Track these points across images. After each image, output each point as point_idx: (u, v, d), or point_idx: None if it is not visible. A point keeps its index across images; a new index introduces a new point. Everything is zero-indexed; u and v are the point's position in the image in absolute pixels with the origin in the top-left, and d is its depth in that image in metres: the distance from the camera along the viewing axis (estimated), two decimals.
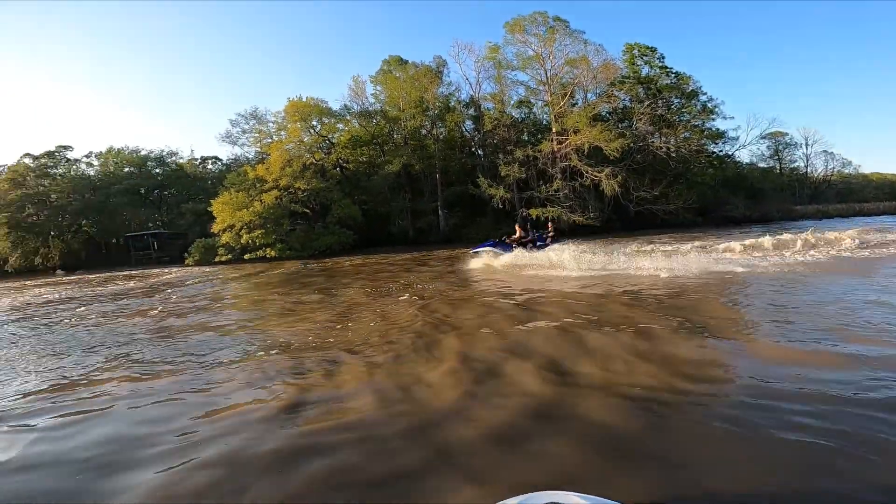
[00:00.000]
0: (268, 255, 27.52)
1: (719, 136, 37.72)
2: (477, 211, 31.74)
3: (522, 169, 30.24)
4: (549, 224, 16.50)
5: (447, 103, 35.60)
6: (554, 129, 31.70)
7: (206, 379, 4.14)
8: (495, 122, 33.21)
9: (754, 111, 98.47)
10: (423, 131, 35.70)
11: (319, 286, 11.58)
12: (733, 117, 61.56)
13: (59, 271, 31.33)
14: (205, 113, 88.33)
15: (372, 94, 37.76)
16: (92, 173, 39.04)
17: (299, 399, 3.46)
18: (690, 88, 35.47)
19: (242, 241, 28.01)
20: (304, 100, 33.82)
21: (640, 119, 32.63)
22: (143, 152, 40.62)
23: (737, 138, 39.97)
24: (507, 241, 13.81)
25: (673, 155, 32.93)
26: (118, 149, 40.16)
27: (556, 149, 30.77)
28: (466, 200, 31.73)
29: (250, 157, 37.95)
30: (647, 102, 32.90)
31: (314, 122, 34.64)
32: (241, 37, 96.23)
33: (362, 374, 3.95)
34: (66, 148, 39.02)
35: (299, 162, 31.41)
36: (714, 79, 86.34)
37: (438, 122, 35.08)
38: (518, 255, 12.44)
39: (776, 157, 49.98)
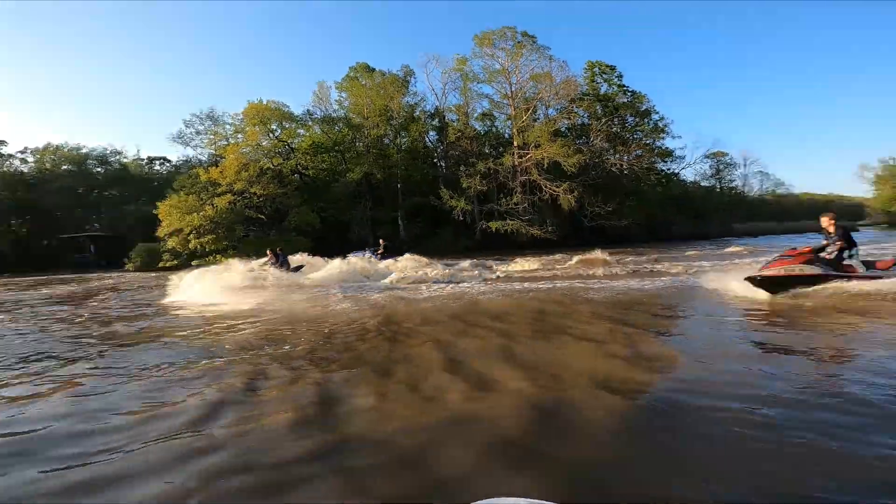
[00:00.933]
0: (218, 262, 26.31)
1: (668, 154, 40.05)
2: (438, 222, 31.87)
3: (484, 182, 30.72)
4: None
5: (412, 113, 35.68)
6: (516, 143, 32.46)
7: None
8: (459, 133, 33.63)
9: (699, 130, 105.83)
10: (387, 140, 35.53)
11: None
12: (681, 136, 65.76)
13: None
14: (153, 112, 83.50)
15: (336, 101, 37.41)
16: (25, 170, 35.92)
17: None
18: (644, 107, 37.51)
19: (191, 247, 26.72)
20: (265, 103, 32.96)
21: (598, 136, 34.08)
22: (83, 150, 37.87)
23: (683, 157, 42.63)
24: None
25: (626, 172, 34.54)
26: (56, 145, 37.24)
27: (517, 162, 31.50)
28: (428, 211, 31.80)
29: (203, 159, 36.36)
30: (604, 120, 34.43)
31: (274, 127, 33.78)
32: (203, 36, 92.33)
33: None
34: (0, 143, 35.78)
35: (256, 166, 30.44)
36: (662, 93, 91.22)
37: (402, 131, 35.08)
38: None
39: (717, 177, 53.54)
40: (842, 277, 6.31)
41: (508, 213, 30.25)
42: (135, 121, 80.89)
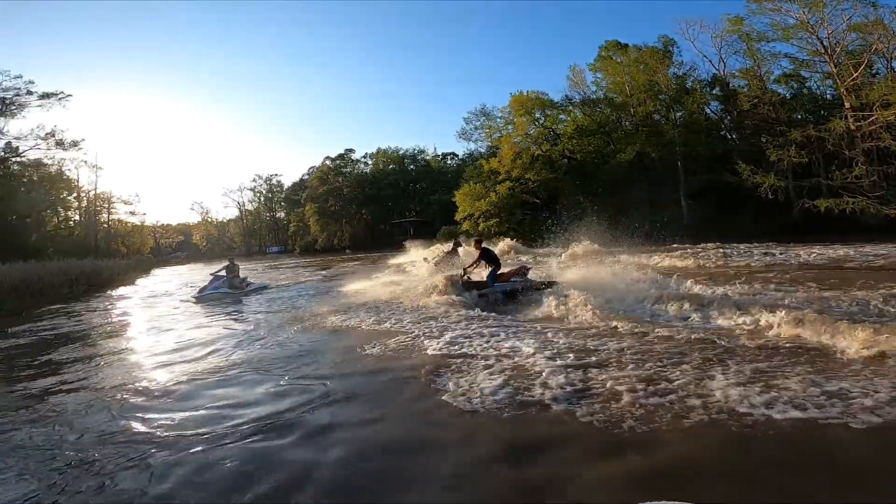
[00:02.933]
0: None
1: None
2: (731, 202, 27.59)
3: (802, 152, 24.77)
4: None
5: (683, 84, 31.94)
6: (848, 105, 24.82)
7: None
8: (755, 100, 28.09)
9: None
10: (657, 116, 32.95)
11: None
12: None
13: (347, 251, 41.63)
14: (443, 112, 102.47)
15: (593, 83, 36.94)
16: (367, 171, 50.36)
17: None
18: None
19: (480, 229, 31.36)
20: (526, 94, 35.47)
21: None
22: (401, 151, 50.27)
23: None
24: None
25: None
26: (384, 149, 50.76)
27: (853, 127, 24.08)
28: (717, 190, 27.91)
29: (482, 151, 42.20)
30: None
31: (537, 115, 36.02)
32: (475, 39, 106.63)
33: None
34: (350, 151, 51.57)
35: (528, 154, 33.28)
36: None
37: (675, 105, 31.83)
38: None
39: None
40: None
41: (845, 188, 23.45)
42: (431, 122, 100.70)
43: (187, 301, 11.37)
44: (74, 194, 39.98)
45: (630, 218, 30.01)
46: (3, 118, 31.49)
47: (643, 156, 30.51)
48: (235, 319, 7.97)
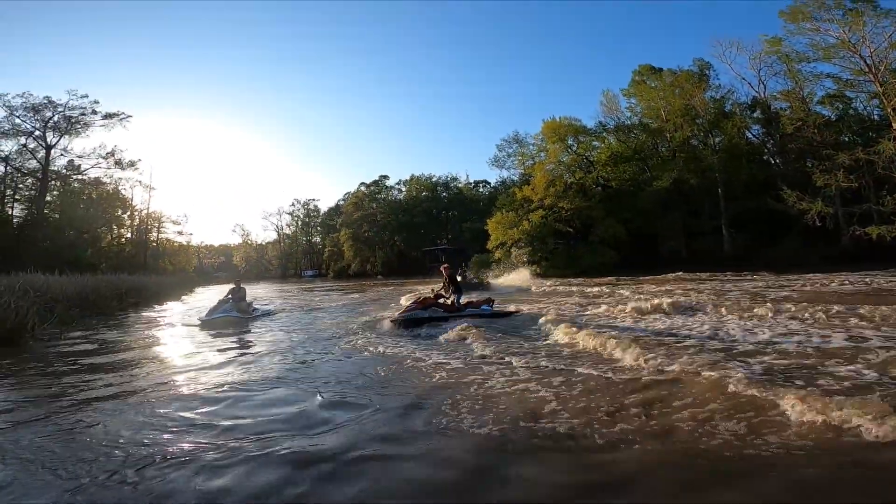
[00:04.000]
0: (532, 273, 29.73)
1: None
2: (775, 229, 26.60)
3: (851, 177, 23.72)
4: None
5: (721, 108, 31.37)
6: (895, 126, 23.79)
7: None
8: (798, 123, 27.20)
9: None
10: (695, 141, 32.36)
11: None
12: None
13: (379, 276, 42.47)
14: (476, 140, 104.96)
15: (626, 108, 36.72)
16: (401, 197, 51.60)
17: None
18: None
19: (512, 258, 31.23)
20: (559, 120, 35.50)
21: None
22: (433, 178, 51.31)
23: None
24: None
25: None
26: (417, 176, 52.00)
27: None
28: (760, 217, 26.99)
29: (515, 179, 42.51)
30: None
31: (570, 142, 36.03)
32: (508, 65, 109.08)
33: None
34: (385, 177, 53.06)
35: (561, 181, 33.21)
36: None
37: (713, 129, 31.24)
38: None
39: None
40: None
41: None
42: (463, 151, 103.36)
43: (191, 325, 10.54)
44: (128, 213, 41.56)
45: (667, 247, 29.46)
46: (67, 136, 33.30)
47: (681, 182, 29.90)
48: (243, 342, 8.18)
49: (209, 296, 24.18)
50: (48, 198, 33.91)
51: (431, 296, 9.49)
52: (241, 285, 12.30)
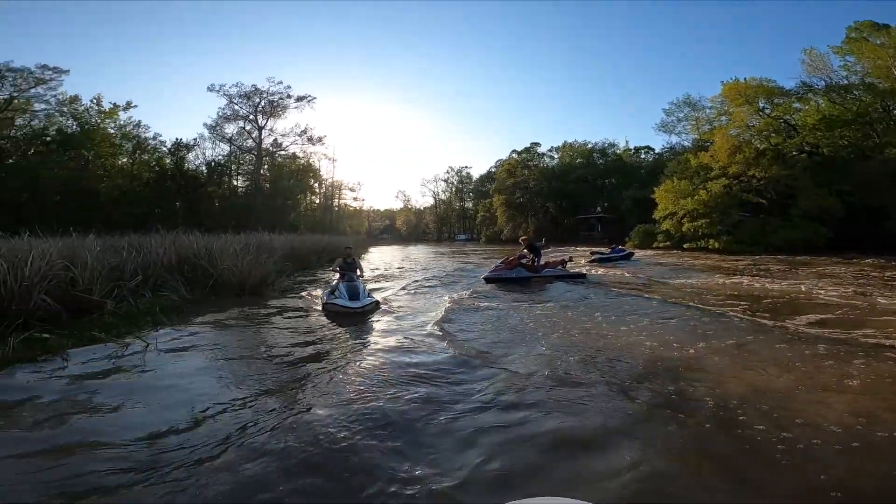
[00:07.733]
0: (709, 246, 27.11)
1: None
2: None
3: None
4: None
5: None
6: None
7: None
8: None
9: None
10: None
11: None
12: None
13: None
14: (637, 106, 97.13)
15: (840, 67, 29.36)
16: (553, 164, 51.21)
17: None
18: None
19: (683, 230, 28.89)
20: (745, 81, 30.59)
21: None
22: (589, 145, 49.35)
23: None
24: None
25: None
26: (570, 143, 50.69)
27: None
28: None
29: (687, 144, 38.11)
30: None
31: (761, 105, 30.80)
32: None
33: None
34: (536, 144, 52.94)
35: (751, 148, 29.02)
36: None
37: None
38: None
39: None
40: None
41: None
42: (624, 115, 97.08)
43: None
44: (318, 182, 49.07)
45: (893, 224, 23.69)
46: (273, 118, 40.47)
47: None
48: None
49: (381, 257, 28.15)
50: (261, 171, 41.84)
51: (514, 258, 11.33)
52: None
